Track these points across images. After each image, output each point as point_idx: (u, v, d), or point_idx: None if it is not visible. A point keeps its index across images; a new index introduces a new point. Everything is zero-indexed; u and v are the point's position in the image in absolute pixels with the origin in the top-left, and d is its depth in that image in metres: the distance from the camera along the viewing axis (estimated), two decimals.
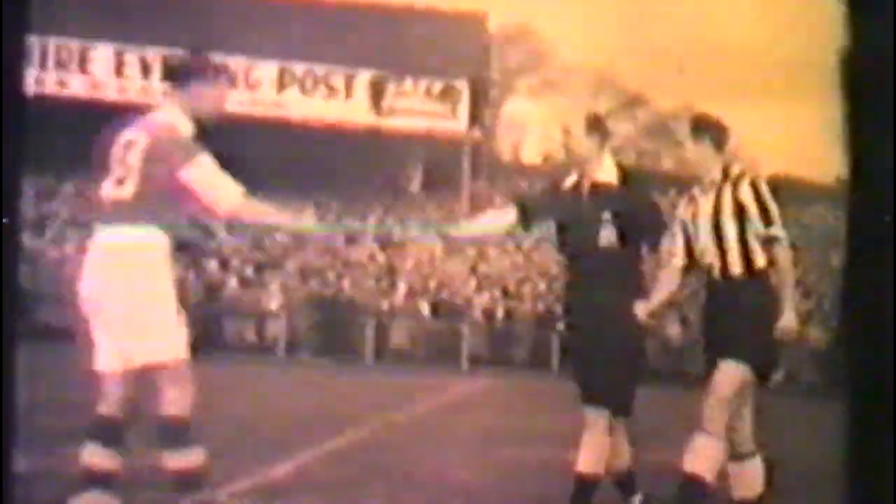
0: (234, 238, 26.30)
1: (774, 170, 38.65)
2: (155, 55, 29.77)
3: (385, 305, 23.99)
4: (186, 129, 4.36)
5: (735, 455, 4.79)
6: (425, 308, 24.03)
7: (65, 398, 10.53)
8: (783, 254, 4.70)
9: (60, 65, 29.76)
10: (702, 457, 4.59)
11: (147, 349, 4.22)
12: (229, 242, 26.36)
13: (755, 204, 4.71)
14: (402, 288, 25.03)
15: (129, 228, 4.25)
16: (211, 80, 4.47)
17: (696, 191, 4.94)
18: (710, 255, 4.79)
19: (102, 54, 29.77)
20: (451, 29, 31.30)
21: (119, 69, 29.85)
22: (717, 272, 4.78)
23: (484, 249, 27.55)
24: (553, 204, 5.21)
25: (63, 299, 25.49)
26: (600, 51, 53.82)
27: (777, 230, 4.69)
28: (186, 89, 4.41)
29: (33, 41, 29.44)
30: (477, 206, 29.90)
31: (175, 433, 4.25)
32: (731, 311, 4.71)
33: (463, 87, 30.41)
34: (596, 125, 5.08)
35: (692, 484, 4.57)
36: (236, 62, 30.09)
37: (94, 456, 4.37)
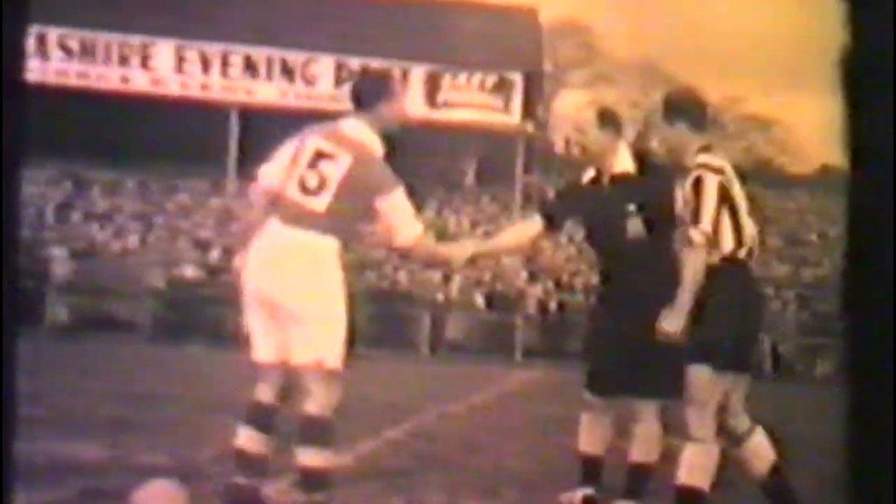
0: None
1: (825, 160, 38.17)
2: (215, 51, 30.21)
3: (440, 298, 24.20)
4: (379, 149, 4.53)
5: (735, 438, 4.67)
6: (480, 300, 24.21)
7: (130, 390, 10.89)
8: (689, 257, 4.45)
9: (123, 60, 30.29)
10: (695, 467, 4.47)
11: (305, 347, 4.39)
12: None
13: (692, 202, 4.47)
14: (457, 281, 25.23)
15: (313, 235, 4.41)
16: (392, 98, 4.58)
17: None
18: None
19: (164, 50, 30.25)
20: (504, 22, 31.40)
21: (179, 65, 30.32)
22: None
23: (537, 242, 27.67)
24: (575, 202, 5.20)
25: (125, 291, 25.93)
26: (649, 44, 53.55)
27: (696, 233, 4.43)
28: (373, 110, 4.53)
29: (95, 37, 30.07)
30: (529, 199, 30.00)
31: (314, 431, 4.39)
32: (706, 302, 4.46)
33: (516, 80, 30.49)
34: (608, 118, 4.99)
35: (689, 497, 4.47)
36: (294, 57, 30.45)
37: (248, 440, 4.54)
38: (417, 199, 33.96)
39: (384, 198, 4.41)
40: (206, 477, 5.38)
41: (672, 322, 4.42)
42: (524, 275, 26.01)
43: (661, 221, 4.95)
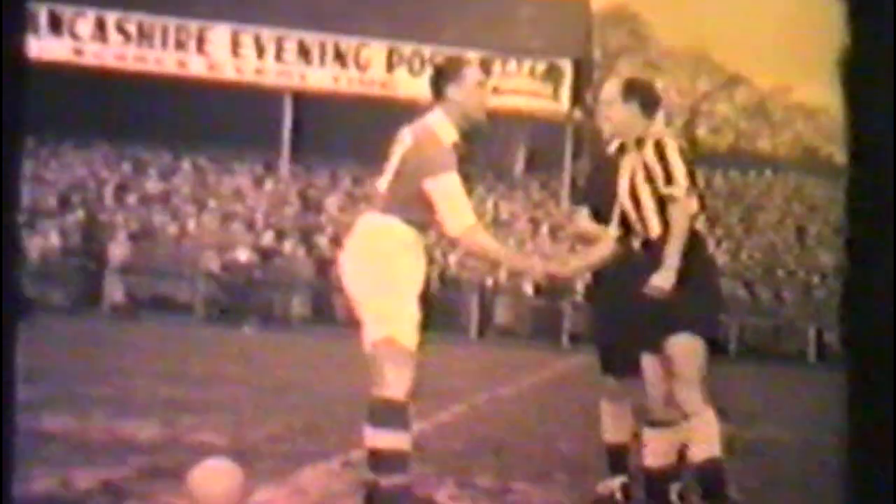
0: None
1: None
2: (269, 36, 30.42)
3: (489, 283, 24.25)
4: (448, 136, 4.45)
5: (654, 422, 4.68)
6: (528, 286, 24.22)
7: (185, 371, 11.09)
8: (675, 212, 4.49)
9: (179, 45, 30.60)
10: (705, 439, 4.47)
11: (373, 326, 4.36)
12: None
13: (658, 164, 4.55)
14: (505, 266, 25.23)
15: (380, 217, 4.45)
16: (465, 84, 4.48)
17: (623, 159, 4.79)
18: (634, 222, 4.68)
19: (219, 35, 30.50)
20: (554, 10, 31.27)
21: (235, 50, 30.58)
22: (641, 237, 4.66)
23: None
24: (604, 175, 5.17)
25: (181, 273, 26.23)
26: (698, 32, 53.03)
27: (674, 189, 4.50)
28: (447, 99, 4.48)
29: (153, 22, 30.41)
30: (578, 187, 29.87)
31: (384, 414, 4.32)
32: (652, 273, 4.49)
33: (566, 67, 30.36)
34: (635, 92, 4.85)
35: (710, 468, 4.49)
36: (347, 42, 30.57)
37: (381, 439, 4.39)
38: (467, 186, 33.71)
39: (432, 180, 4.34)
40: (260, 456, 5.49)
41: (664, 278, 4.44)
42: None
43: None
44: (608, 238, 4.90)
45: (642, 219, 4.65)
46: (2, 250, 1.60)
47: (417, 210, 4.41)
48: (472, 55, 30.40)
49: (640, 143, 4.67)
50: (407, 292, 4.42)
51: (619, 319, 4.98)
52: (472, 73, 4.55)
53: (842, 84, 1.30)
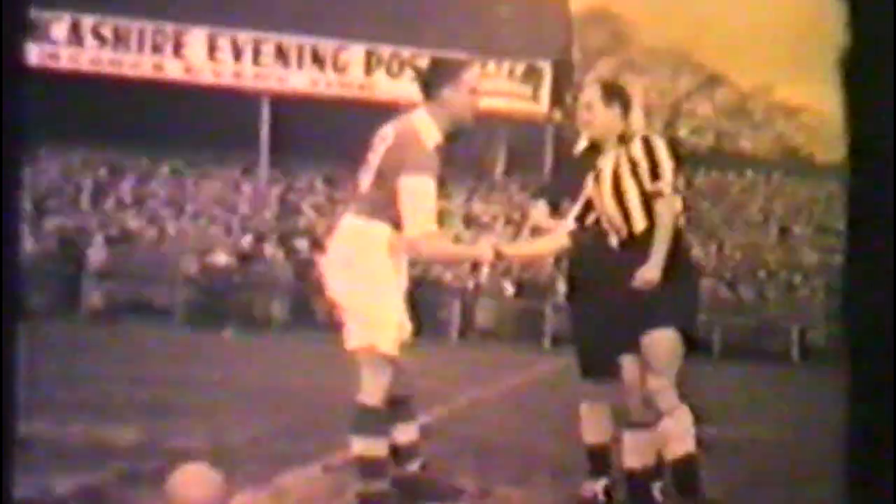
0: None
1: None
2: (247, 39, 30.35)
3: (470, 285, 24.25)
4: (431, 137, 4.35)
5: (632, 424, 4.70)
6: (509, 288, 24.24)
7: (164, 375, 11.02)
8: (661, 207, 4.51)
9: (156, 48, 30.49)
10: (679, 436, 4.48)
11: (357, 335, 4.34)
12: None
13: (646, 159, 4.58)
14: (486, 268, 25.25)
15: (359, 219, 4.39)
16: (461, 87, 4.39)
17: (600, 158, 4.80)
18: (615, 218, 4.67)
19: (196, 38, 30.41)
20: (534, 11, 31.33)
21: (212, 53, 30.49)
22: (624, 234, 4.65)
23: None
24: (570, 173, 5.18)
25: (160, 277, 26.14)
26: (679, 32, 53.34)
27: (661, 184, 4.53)
28: (437, 99, 4.39)
29: (129, 25, 30.26)
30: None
31: (364, 420, 4.32)
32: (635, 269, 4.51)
33: (545, 68, 30.42)
34: (614, 95, 4.91)
35: (684, 464, 4.51)
36: (325, 45, 30.53)
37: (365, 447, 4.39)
38: (447, 187, 33.81)
39: (406, 178, 4.24)
40: (240, 460, 5.46)
41: (651, 271, 4.45)
42: (552, 262, 26.01)
43: None
44: (563, 229, 4.88)
45: (625, 215, 4.63)
46: (2, 253, 1.57)
47: (399, 210, 4.32)
48: (450, 56, 30.49)
49: (623, 139, 4.68)
50: (390, 297, 4.37)
51: (596, 321, 4.99)
52: (469, 77, 4.46)
53: (841, 84, 1.28)
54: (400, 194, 4.26)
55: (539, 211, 5.45)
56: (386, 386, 4.35)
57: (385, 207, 4.33)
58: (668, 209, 4.52)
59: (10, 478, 1.68)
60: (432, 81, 4.43)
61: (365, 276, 4.32)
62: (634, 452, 4.68)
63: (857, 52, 1.26)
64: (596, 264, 4.95)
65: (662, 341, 4.51)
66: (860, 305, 1.25)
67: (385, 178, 4.34)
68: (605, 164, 4.73)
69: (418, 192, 4.25)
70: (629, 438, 4.71)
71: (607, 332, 4.83)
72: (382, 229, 4.35)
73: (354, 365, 4.40)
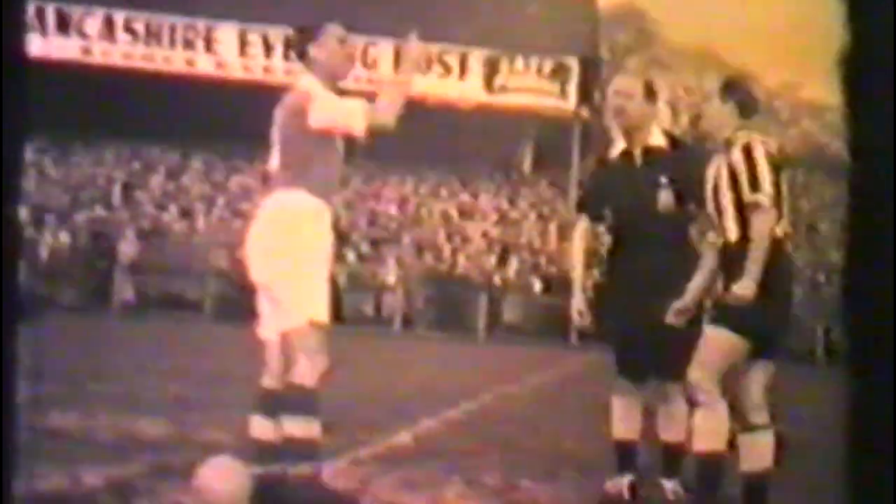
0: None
1: None
2: (277, 34, 30.48)
3: (498, 281, 24.25)
4: (314, 89, 4.38)
5: (745, 427, 4.61)
6: (537, 284, 24.22)
7: (194, 368, 11.10)
8: (758, 220, 4.42)
9: (188, 44, 30.64)
10: (707, 431, 4.48)
11: (292, 314, 4.21)
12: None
13: (745, 169, 4.47)
14: (514, 264, 25.24)
15: (282, 193, 4.32)
16: (326, 42, 4.47)
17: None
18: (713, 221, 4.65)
19: (227, 34, 30.55)
20: (561, 8, 31.24)
21: (243, 49, 30.62)
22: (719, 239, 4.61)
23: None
24: (608, 183, 5.20)
25: (190, 271, 26.24)
26: (705, 30, 53.05)
27: (760, 196, 4.43)
28: (310, 57, 4.45)
29: (161, 21, 30.44)
30: None
31: (298, 400, 4.20)
32: (725, 278, 4.52)
33: (573, 65, 30.34)
34: (652, 93, 5.03)
35: (708, 462, 4.50)
36: (354, 41, 30.62)
37: (258, 428, 4.37)
38: (474, 183, 33.79)
39: (312, 112, 4.29)
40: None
41: (745, 286, 4.40)
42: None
43: (688, 197, 5.03)
44: (711, 247, 4.76)
45: (721, 221, 4.58)
46: (2, 249, 1.60)
47: (316, 174, 4.29)
48: (479, 53, 30.46)
49: (728, 143, 4.58)
50: (318, 267, 4.26)
51: (644, 324, 4.96)
52: (332, 31, 4.50)
53: (843, 82, 1.30)
54: (323, 123, 4.29)
55: (582, 228, 5.38)
56: (323, 364, 4.24)
57: (299, 175, 4.29)
58: (766, 222, 4.44)
59: (11, 469, 1.72)
60: (301, 48, 4.51)
61: (291, 249, 4.21)
62: (706, 433, 4.56)
63: (858, 52, 1.27)
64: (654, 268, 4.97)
65: (713, 338, 4.49)
66: (860, 304, 1.26)
67: (291, 146, 4.34)
68: (710, 169, 4.67)
69: (327, 103, 4.32)
70: (702, 418, 4.60)
71: (658, 340, 4.87)
72: (302, 196, 4.28)
73: (284, 347, 4.27)
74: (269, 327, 4.40)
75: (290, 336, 4.25)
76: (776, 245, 4.50)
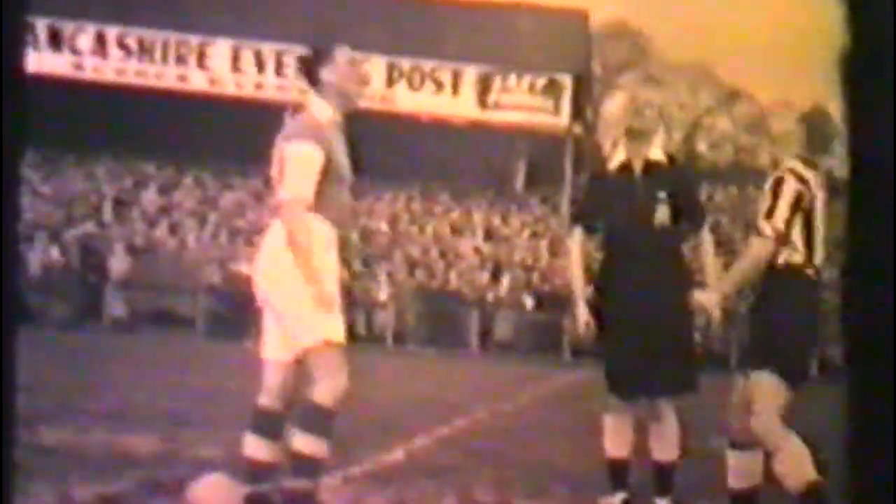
0: None
1: None
2: (269, 51, 30.51)
3: (490, 297, 24.23)
4: (324, 113, 4.38)
5: (735, 444, 4.72)
6: (529, 301, 24.21)
7: (186, 385, 11.07)
8: (755, 244, 4.62)
9: (180, 60, 30.67)
10: (792, 467, 4.52)
11: (307, 334, 4.18)
12: None
13: (770, 198, 4.65)
14: (506, 281, 25.24)
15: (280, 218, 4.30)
16: (338, 65, 4.41)
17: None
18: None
19: (220, 50, 30.58)
20: (555, 25, 31.33)
21: (235, 65, 30.64)
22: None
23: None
24: (605, 196, 5.20)
25: (182, 287, 26.17)
26: (699, 47, 53.20)
27: (766, 225, 4.59)
28: (321, 79, 4.40)
29: (154, 37, 30.47)
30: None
31: (314, 419, 4.18)
32: (771, 310, 4.61)
33: (566, 82, 30.43)
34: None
35: (811, 499, 4.51)
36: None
37: (252, 447, 4.33)
38: (467, 199, 33.69)
39: (288, 146, 4.28)
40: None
41: (710, 296, 4.50)
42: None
43: (685, 214, 5.07)
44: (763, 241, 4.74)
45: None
46: (1, 261, 1.60)
47: (326, 205, 4.27)
48: (472, 70, 30.54)
49: (774, 166, 4.85)
50: (331, 287, 4.24)
51: (636, 341, 4.98)
52: (342, 53, 4.47)
53: (841, 86, 1.30)
54: (284, 163, 4.26)
55: (577, 238, 5.37)
56: (343, 388, 4.21)
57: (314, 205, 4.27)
58: (760, 249, 4.57)
59: (9, 480, 1.71)
60: (312, 69, 4.47)
61: (288, 274, 4.20)
62: (739, 473, 4.66)
63: (857, 52, 1.28)
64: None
65: (762, 384, 4.58)
66: (860, 308, 1.26)
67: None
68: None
69: (299, 158, 4.23)
70: (734, 459, 4.68)
71: (650, 358, 4.89)
72: (315, 223, 4.27)
73: (305, 366, 4.25)
74: (275, 348, 4.37)
75: (309, 356, 4.21)
76: (806, 280, 4.60)
